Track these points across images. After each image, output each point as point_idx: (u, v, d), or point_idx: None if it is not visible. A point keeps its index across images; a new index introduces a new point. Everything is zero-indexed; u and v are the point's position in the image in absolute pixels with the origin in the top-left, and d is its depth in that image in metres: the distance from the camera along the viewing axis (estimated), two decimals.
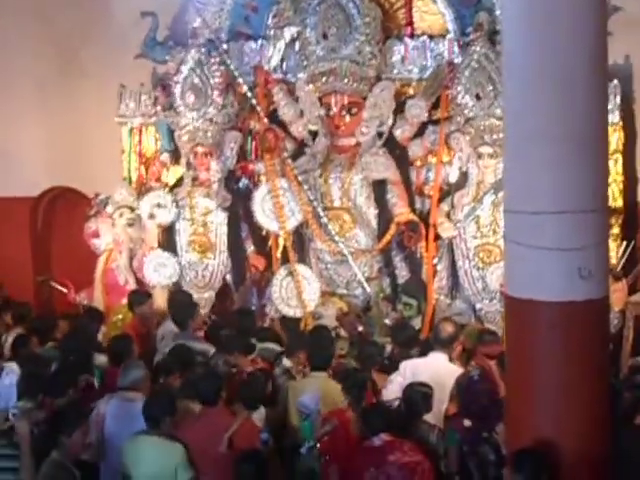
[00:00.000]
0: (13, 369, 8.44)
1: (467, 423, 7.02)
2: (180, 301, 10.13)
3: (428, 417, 7.43)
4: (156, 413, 6.80)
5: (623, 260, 10.07)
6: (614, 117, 10.00)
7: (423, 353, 8.63)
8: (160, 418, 6.78)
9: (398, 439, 6.73)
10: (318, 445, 6.94)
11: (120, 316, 10.56)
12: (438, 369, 8.05)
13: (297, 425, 7.63)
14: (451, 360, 8.42)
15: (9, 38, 12.59)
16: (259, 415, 7.48)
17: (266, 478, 6.30)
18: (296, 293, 10.65)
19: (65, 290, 11.69)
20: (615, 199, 10.21)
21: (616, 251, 10.04)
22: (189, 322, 9.50)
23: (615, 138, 10.15)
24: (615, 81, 10.04)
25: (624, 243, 10.18)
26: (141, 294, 10.53)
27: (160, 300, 10.83)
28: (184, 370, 8.02)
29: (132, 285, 11.30)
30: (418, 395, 7.43)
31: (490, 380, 7.77)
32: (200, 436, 6.88)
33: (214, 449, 6.81)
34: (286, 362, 8.70)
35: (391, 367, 8.58)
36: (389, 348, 9.44)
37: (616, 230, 10.18)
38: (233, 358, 8.36)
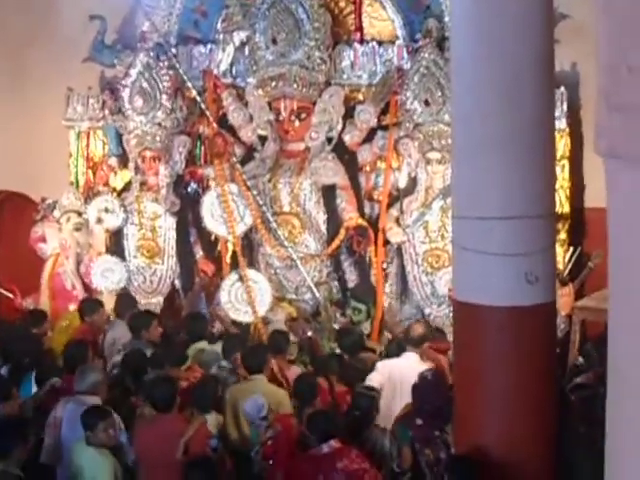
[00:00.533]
0: None
1: (419, 422, 7.04)
2: (136, 309, 10.20)
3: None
4: (89, 421, 6.84)
5: (570, 265, 10.18)
6: (561, 124, 10.09)
7: (397, 354, 8.65)
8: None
9: (346, 446, 6.72)
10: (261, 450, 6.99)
11: (67, 322, 10.43)
12: (411, 369, 8.04)
13: (246, 429, 7.63)
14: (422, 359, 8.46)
15: None
16: (211, 420, 7.44)
17: None
18: (246, 298, 10.61)
19: (11, 295, 11.55)
20: (562, 205, 10.30)
21: (563, 256, 10.14)
22: (143, 331, 9.41)
23: (562, 144, 10.24)
24: (562, 88, 10.13)
25: (571, 248, 10.28)
26: (93, 302, 10.41)
27: (107, 305, 10.74)
28: (138, 376, 7.99)
29: (79, 290, 11.21)
30: (366, 400, 7.45)
31: (442, 378, 7.79)
32: (154, 441, 6.85)
33: (169, 455, 6.75)
34: (224, 363, 8.67)
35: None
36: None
37: (563, 236, 10.27)
38: (164, 372, 8.20)
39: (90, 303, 10.37)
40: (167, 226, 11.16)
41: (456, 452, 6.41)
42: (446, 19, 10.09)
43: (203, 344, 9.21)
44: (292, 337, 9.95)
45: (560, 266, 9.84)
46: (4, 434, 6.39)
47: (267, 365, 8.16)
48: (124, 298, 10.65)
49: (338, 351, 9.29)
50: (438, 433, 6.92)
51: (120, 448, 7.08)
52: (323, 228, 10.81)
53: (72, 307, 10.84)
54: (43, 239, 11.47)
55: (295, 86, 10.54)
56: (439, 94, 10.03)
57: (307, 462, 6.70)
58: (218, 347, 9.04)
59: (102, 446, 6.83)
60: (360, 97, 10.91)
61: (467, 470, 5.89)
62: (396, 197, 10.61)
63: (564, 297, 9.62)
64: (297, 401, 7.73)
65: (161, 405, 7.12)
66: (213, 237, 11.13)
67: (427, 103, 10.11)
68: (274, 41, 10.55)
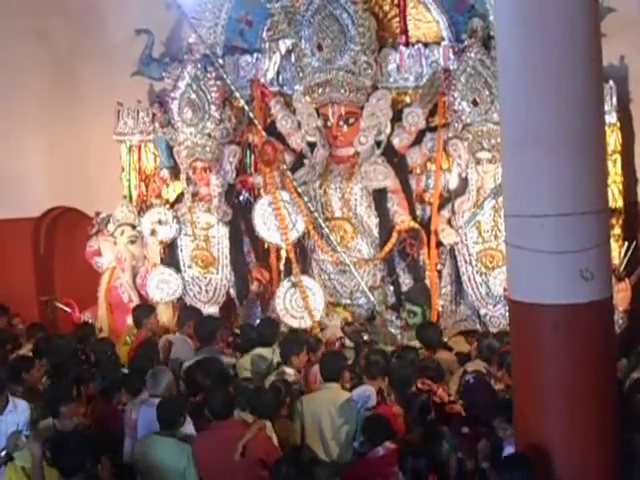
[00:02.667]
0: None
1: (465, 430, 7.02)
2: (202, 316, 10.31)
3: None
4: (170, 415, 7.00)
5: (625, 260, 10.07)
6: (611, 118, 10.00)
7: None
8: (174, 420, 7.00)
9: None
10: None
11: (130, 337, 10.46)
12: None
13: (314, 439, 7.64)
14: None
15: (8, 58, 12.60)
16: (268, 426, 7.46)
17: None
18: (302, 304, 10.65)
19: (69, 310, 11.70)
20: (615, 200, 10.21)
21: (618, 251, 10.04)
22: (213, 336, 9.54)
23: (613, 139, 10.16)
24: (611, 82, 10.05)
25: (626, 243, 10.18)
26: (146, 307, 10.55)
27: (164, 316, 10.85)
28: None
29: (136, 302, 11.29)
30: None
31: (485, 381, 7.77)
32: (212, 445, 6.91)
33: (228, 459, 6.77)
34: (289, 371, 8.69)
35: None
36: None
37: (617, 230, 10.18)
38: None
39: (142, 309, 10.49)
40: (220, 235, 11.24)
41: (517, 440, 6.38)
42: (491, 18, 10.04)
43: (262, 350, 9.21)
44: (348, 342, 9.99)
45: (615, 261, 9.75)
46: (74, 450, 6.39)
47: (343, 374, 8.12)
48: (188, 309, 10.71)
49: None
50: (484, 443, 6.87)
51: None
52: (375, 232, 10.81)
53: (130, 320, 10.93)
54: (98, 253, 11.61)
55: (342, 91, 10.57)
56: (487, 93, 10.01)
57: (365, 466, 6.71)
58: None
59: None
60: (407, 100, 10.93)
61: (526, 469, 5.86)
62: (447, 198, 10.61)
63: (621, 292, 9.54)
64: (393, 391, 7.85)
65: (218, 412, 7.15)
66: (266, 245, 11.18)
67: (475, 103, 10.10)
68: (320, 47, 10.59)
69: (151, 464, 7.00)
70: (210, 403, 7.23)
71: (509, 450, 6.50)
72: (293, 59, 10.98)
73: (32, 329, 10.45)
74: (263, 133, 10.96)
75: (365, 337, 10.16)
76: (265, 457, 6.75)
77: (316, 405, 7.72)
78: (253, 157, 11.29)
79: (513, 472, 5.88)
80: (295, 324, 10.70)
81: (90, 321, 11.21)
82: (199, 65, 10.94)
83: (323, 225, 10.76)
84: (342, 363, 8.17)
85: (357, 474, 6.78)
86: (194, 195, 11.23)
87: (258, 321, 10.66)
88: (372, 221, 10.79)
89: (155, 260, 11.36)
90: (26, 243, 13.02)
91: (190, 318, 10.02)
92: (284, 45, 11.07)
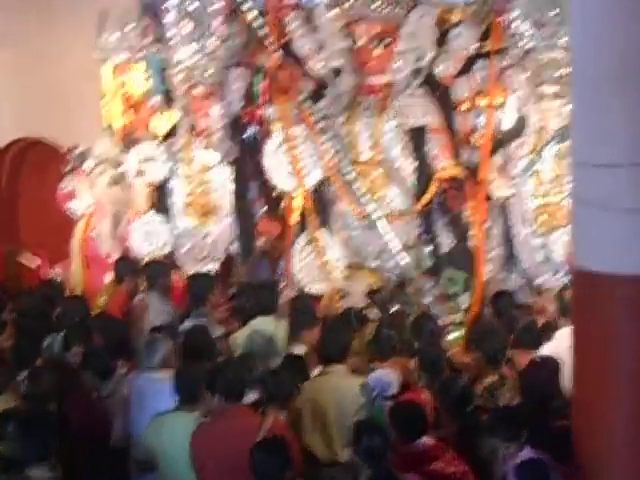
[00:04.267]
0: None
1: None
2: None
3: None
4: (192, 387, 7.06)
5: None
6: None
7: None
8: (196, 392, 7.05)
9: (441, 444, 6.75)
10: None
11: (104, 297, 10.56)
12: None
13: (309, 429, 7.65)
14: None
15: None
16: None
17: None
18: (318, 266, 10.67)
19: (36, 264, 11.76)
20: None
21: None
22: (207, 298, 9.57)
23: None
24: None
25: None
26: (130, 263, 10.66)
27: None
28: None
29: (116, 257, 11.33)
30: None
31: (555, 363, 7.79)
32: (220, 438, 6.86)
33: (240, 453, 6.54)
34: (297, 348, 8.71)
35: None
36: None
37: None
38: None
39: (126, 261, 10.63)
40: (221, 179, 11.27)
41: (576, 432, 6.41)
42: None
43: (266, 320, 9.23)
44: (374, 313, 10.02)
45: None
46: None
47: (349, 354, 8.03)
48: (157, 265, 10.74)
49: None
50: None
51: None
52: (411, 180, 10.81)
53: (109, 278, 10.99)
54: (73, 196, 11.62)
55: (376, 5, 10.52)
56: (554, 13, 9.94)
57: (398, 460, 6.70)
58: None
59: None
60: (455, 18, 10.86)
61: None
62: (500, 141, 10.59)
63: None
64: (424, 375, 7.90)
65: (231, 394, 7.09)
66: (277, 192, 11.18)
67: (539, 24, 10.04)
68: None
69: (167, 447, 7.05)
70: (221, 383, 7.19)
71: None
72: None
73: None
74: (277, 55, 10.93)
75: (394, 308, 10.19)
76: None
77: (318, 394, 7.60)
78: (264, 84, 11.26)
79: None
80: (312, 290, 10.74)
81: (60, 279, 11.26)
82: None
83: (347, 170, 10.76)
84: (347, 339, 8.06)
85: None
86: (191, 128, 11.23)
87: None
88: (408, 166, 10.79)
89: (141, 206, 11.38)
90: None
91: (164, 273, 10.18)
92: None
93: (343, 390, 7.58)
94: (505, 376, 8.09)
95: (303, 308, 9.31)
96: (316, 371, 8.06)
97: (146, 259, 11.08)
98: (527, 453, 6.37)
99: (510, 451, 6.42)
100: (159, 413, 7.29)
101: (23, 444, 6.42)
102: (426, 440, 6.70)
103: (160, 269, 10.34)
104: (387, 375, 7.80)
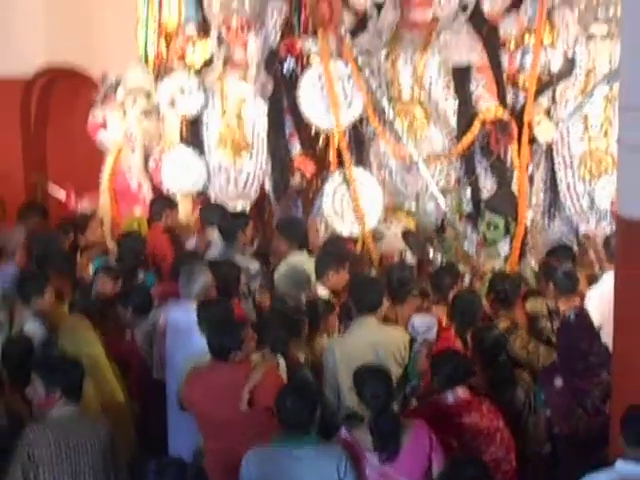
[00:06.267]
0: None
1: (558, 383, 7.06)
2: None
3: None
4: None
5: None
6: None
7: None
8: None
9: (476, 397, 6.74)
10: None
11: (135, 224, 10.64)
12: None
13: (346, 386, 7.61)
14: None
15: None
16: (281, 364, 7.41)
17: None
18: (353, 205, 10.67)
19: (63, 195, 11.79)
20: None
21: None
22: (237, 234, 9.55)
23: None
24: None
25: None
26: (168, 200, 10.73)
27: (182, 212, 10.92)
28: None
29: (147, 191, 11.40)
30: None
31: (589, 320, 7.77)
32: (210, 390, 6.82)
33: (230, 406, 6.65)
34: (321, 290, 8.72)
35: None
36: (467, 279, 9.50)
37: None
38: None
39: (164, 200, 10.66)
40: (257, 113, 11.26)
41: (616, 382, 6.39)
42: None
43: (299, 257, 9.25)
44: (410, 257, 10.02)
45: None
46: None
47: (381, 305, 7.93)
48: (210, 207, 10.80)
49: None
50: (581, 399, 6.89)
51: None
52: (453, 120, 10.75)
53: (137, 211, 11.02)
54: (104, 126, 11.63)
55: None
56: None
57: (428, 412, 6.71)
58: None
59: None
60: None
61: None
62: (548, 82, 10.53)
63: None
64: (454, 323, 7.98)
65: (218, 351, 6.99)
66: (314, 129, 11.15)
67: None
68: None
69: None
70: (210, 340, 7.06)
71: None
72: None
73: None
74: None
75: (431, 252, 10.19)
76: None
77: (352, 351, 7.48)
78: (303, 15, 11.20)
79: None
80: (345, 231, 10.73)
81: (88, 211, 11.30)
82: None
83: (387, 107, 10.71)
84: (379, 288, 7.98)
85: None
86: (226, 60, 11.21)
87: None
88: (450, 106, 10.72)
89: (173, 139, 11.40)
90: (13, 109, 13.10)
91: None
92: None
93: (381, 343, 7.55)
94: (516, 321, 8.12)
95: (333, 249, 9.34)
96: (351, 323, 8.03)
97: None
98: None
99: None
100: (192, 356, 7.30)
101: None
102: (460, 391, 6.68)
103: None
104: (428, 320, 7.90)
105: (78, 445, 6.20)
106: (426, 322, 7.92)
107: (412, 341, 7.71)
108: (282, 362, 7.33)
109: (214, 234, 9.75)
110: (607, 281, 8.25)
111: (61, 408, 6.27)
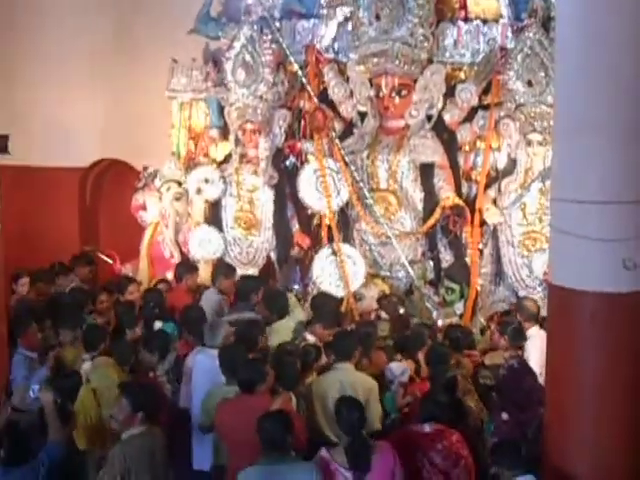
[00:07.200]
0: None
1: (504, 416, 7.00)
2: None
3: None
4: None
5: None
6: None
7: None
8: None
9: (448, 429, 6.66)
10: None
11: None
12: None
13: (321, 423, 7.50)
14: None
15: (64, 8, 12.68)
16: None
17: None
18: (339, 272, 10.62)
19: (110, 261, 11.78)
20: None
21: None
22: (251, 295, 9.53)
23: None
24: None
25: None
26: (190, 266, 10.66)
27: (203, 275, 10.88)
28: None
29: (177, 258, 11.38)
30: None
31: (529, 367, 7.72)
32: (237, 414, 6.81)
33: (251, 428, 6.49)
34: (309, 337, 8.66)
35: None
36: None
37: None
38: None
39: (186, 266, 10.62)
40: (265, 199, 11.25)
41: (547, 438, 6.32)
42: None
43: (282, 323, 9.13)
44: (384, 314, 9.97)
45: None
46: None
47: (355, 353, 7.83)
48: (221, 266, 10.73)
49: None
50: (524, 429, 6.82)
51: None
52: (419, 206, 10.74)
53: (169, 275, 11.00)
54: (144, 207, 11.65)
55: (397, 63, 10.46)
56: (542, 75, 9.87)
57: (408, 438, 6.64)
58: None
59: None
60: (462, 76, 10.81)
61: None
62: (494, 178, 10.51)
63: None
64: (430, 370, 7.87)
65: (246, 385, 7.03)
66: (310, 211, 11.16)
67: (530, 83, 9.97)
68: (377, 17, 10.48)
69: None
70: (240, 376, 7.07)
71: None
72: (350, 27, 10.89)
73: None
74: (315, 99, 10.91)
75: (401, 311, 10.14)
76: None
77: (325, 387, 7.49)
78: (303, 123, 11.22)
79: None
80: (332, 291, 10.65)
81: (130, 274, 11.27)
82: (256, 27, 10.90)
83: (368, 195, 10.72)
84: (354, 343, 7.87)
85: (399, 444, 6.59)
86: (242, 156, 11.21)
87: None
88: (417, 195, 10.71)
89: (198, 218, 11.40)
90: (73, 192, 13.14)
91: (222, 274, 10.17)
92: (342, 12, 10.99)
93: (348, 385, 7.45)
94: (461, 363, 8.06)
95: (324, 307, 9.29)
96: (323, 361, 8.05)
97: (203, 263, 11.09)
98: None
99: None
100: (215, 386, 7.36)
101: None
102: (434, 424, 6.60)
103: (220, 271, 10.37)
104: (402, 366, 7.92)
105: (155, 455, 6.30)
106: (401, 368, 7.93)
107: (390, 383, 7.66)
108: (292, 396, 7.30)
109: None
110: (534, 335, 8.40)
111: (140, 426, 6.36)
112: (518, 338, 8.12)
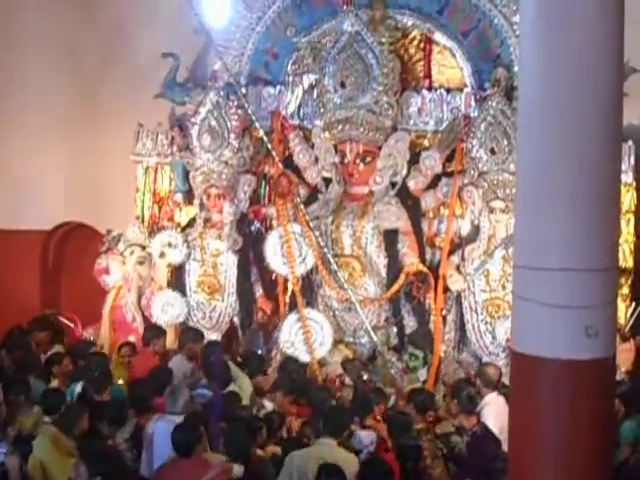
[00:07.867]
0: None
1: None
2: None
3: None
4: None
5: (632, 321, 10.04)
6: (627, 177, 10.03)
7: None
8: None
9: None
10: None
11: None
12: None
13: None
14: None
15: (29, 70, 12.74)
16: (237, 470, 7.07)
17: None
18: (304, 339, 10.60)
19: (72, 325, 11.68)
20: (626, 259, 10.21)
21: (625, 311, 10.02)
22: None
23: (628, 198, 10.19)
24: (630, 142, 10.07)
25: (633, 304, 10.15)
26: (157, 330, 10.58)
27: (167, 339, 10.81)
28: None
29: (139, 323, 11.29)
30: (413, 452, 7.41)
31: (492, 434, 7.70)
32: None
33: None
34: (267, 404, 8.61)
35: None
36: (393, 399, 9.42)
37: (626, 290, 10.16)
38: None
39: (154, 330, 10.53)
40: (229, 263, 11.23)
41: None
42: (515, 69, 10.09)
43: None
44: (347, 380, 9.93)
45: (622, 321, 9.72)
46: None
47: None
48: (189, 331, 10.65)
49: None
50: None
51: None
52: (383, 272, 10.78)
53: (132, 339, 10.91)
54: (107, 271, 11.58)
55: (361, 130, 10.59)
56: (505, 143, 10.02)
57: None
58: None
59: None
60: (426, 143, 10.98)
61: None
62: (458, 244, 10.60)
63: (625, 353, 9.50)
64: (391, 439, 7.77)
65: (182, 450, 6.94)
66: (273, 276, 11.16)
67: (493, 152, 10.11)
68: (342, 85, 10.63)
69: None
70: (175, 440, 6.98)
71: None
72: (315, 94, 11.05)
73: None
74: (280, 165, 10.98)
75: (365, 376, 10.11)
76: None
77: (304, 462, 7.17)
78: (268, 188, 11.33)
79: None
80: (298, 357, 10.61)
81: (92, 338, 11.18)
82: (222, 93, 10.98)
83: (332, 261, 10.73)
84: (347, 420, 7.64)
85: None
86: (206, 221, 11.22)
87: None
88: (381, 261, 10.77)
89: (162, 282, 11.34)
90: (35, 255, 13.06)
91: (189, 340, 10.06)
92: (307, 80, 11.16)
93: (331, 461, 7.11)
94: (424, 429, 8.01)
95: (291, 373, 9.27)
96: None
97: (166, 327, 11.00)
98: None
99: None
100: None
101: None
102: None
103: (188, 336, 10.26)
104: (371, 435, 7.82)
105: None
106: (370, 437, 7.83)
107: (358, 452, 7.56)
108: (238, 468, 7.05)
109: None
110: (491, 402, 8.40)
111: None
112: (469, 405, 8.12)
